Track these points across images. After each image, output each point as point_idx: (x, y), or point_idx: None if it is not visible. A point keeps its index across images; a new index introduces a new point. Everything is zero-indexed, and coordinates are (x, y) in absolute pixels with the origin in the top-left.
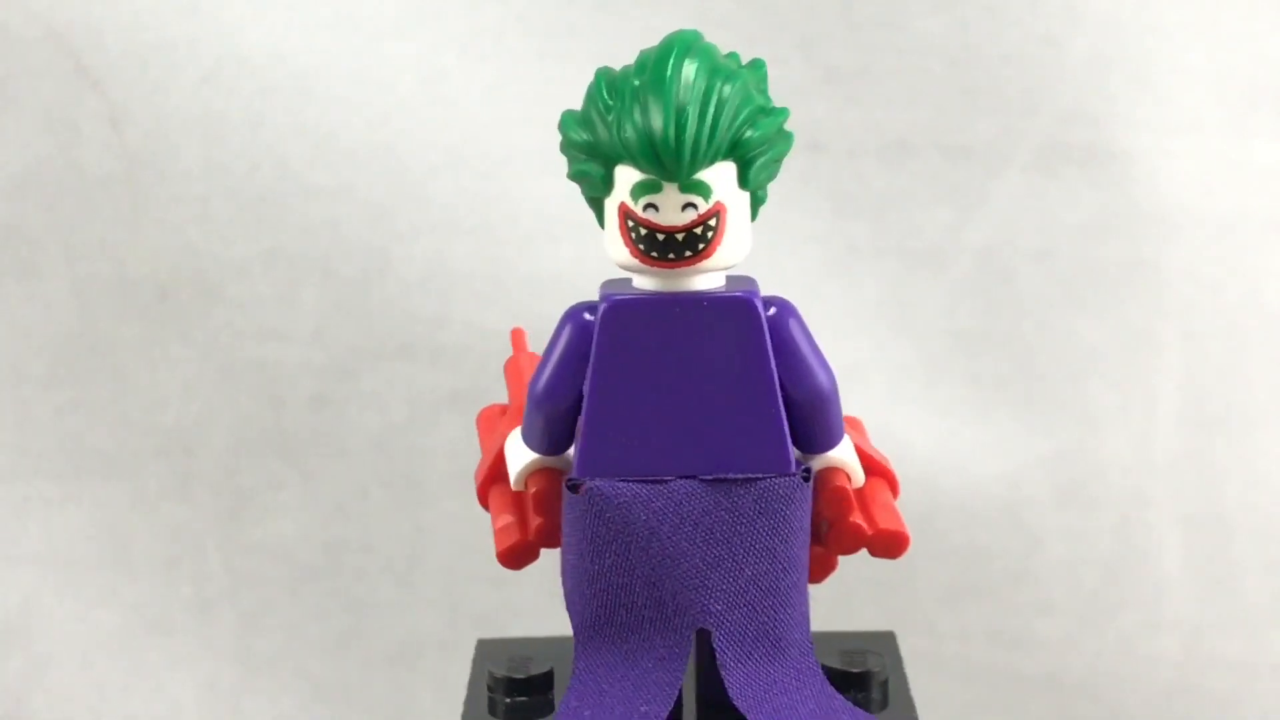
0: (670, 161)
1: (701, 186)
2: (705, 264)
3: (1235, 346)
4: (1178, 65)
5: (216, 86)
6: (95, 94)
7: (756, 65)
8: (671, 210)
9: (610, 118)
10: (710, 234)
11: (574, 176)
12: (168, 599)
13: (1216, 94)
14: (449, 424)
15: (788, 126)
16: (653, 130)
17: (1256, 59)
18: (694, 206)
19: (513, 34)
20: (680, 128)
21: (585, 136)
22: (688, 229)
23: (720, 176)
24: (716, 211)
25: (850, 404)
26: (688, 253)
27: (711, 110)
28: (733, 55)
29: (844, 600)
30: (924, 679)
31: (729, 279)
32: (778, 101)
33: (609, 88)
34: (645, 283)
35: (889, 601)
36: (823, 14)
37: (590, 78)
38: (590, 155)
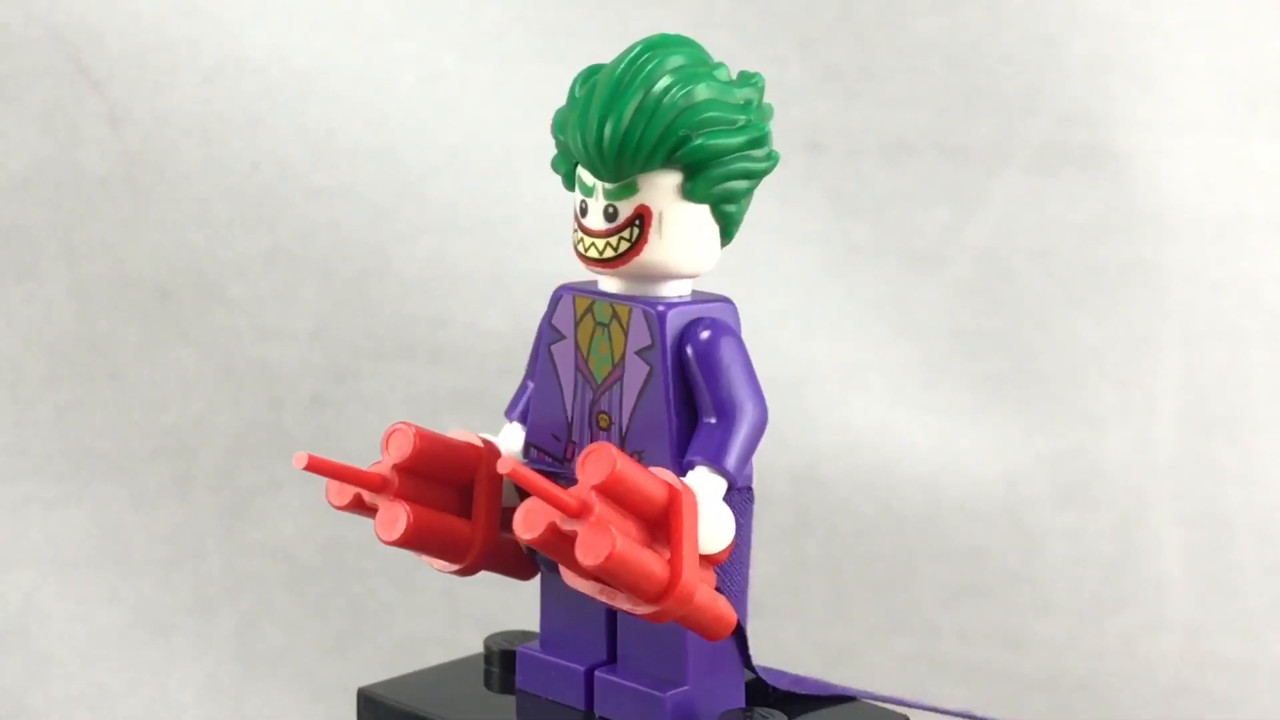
0: (598, 160)
1: (627, 190)
2: (626, 269)
3: (1235, 347)
4: (1178, 65)
5: (216, 86)
6: (95, 94)
7: (747, 79)
8: (595, 214)
9: (573, 115)
10: (626, 244)
11: (552, 168)
12: (168, 599)
13: (1216, 94)
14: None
15: (783, 139)
16: (588, 128)
17: (1256, 59)
18: (614, 214)
19: (512, 34)
20: (615, 127)
21: (558, 133)
22: (604, 235)
23: (658, 183)
24: (639, 215)
25: (850, 404)
26: (608, 254)
27: (650, 113)
28: (718, 67)
29: (843, 601)
30: (924, 679)
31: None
32: (779, 101)
33: (582, 84)
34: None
35: (889, 602)
36: (823, 14)
37: None
38: (562, 150)
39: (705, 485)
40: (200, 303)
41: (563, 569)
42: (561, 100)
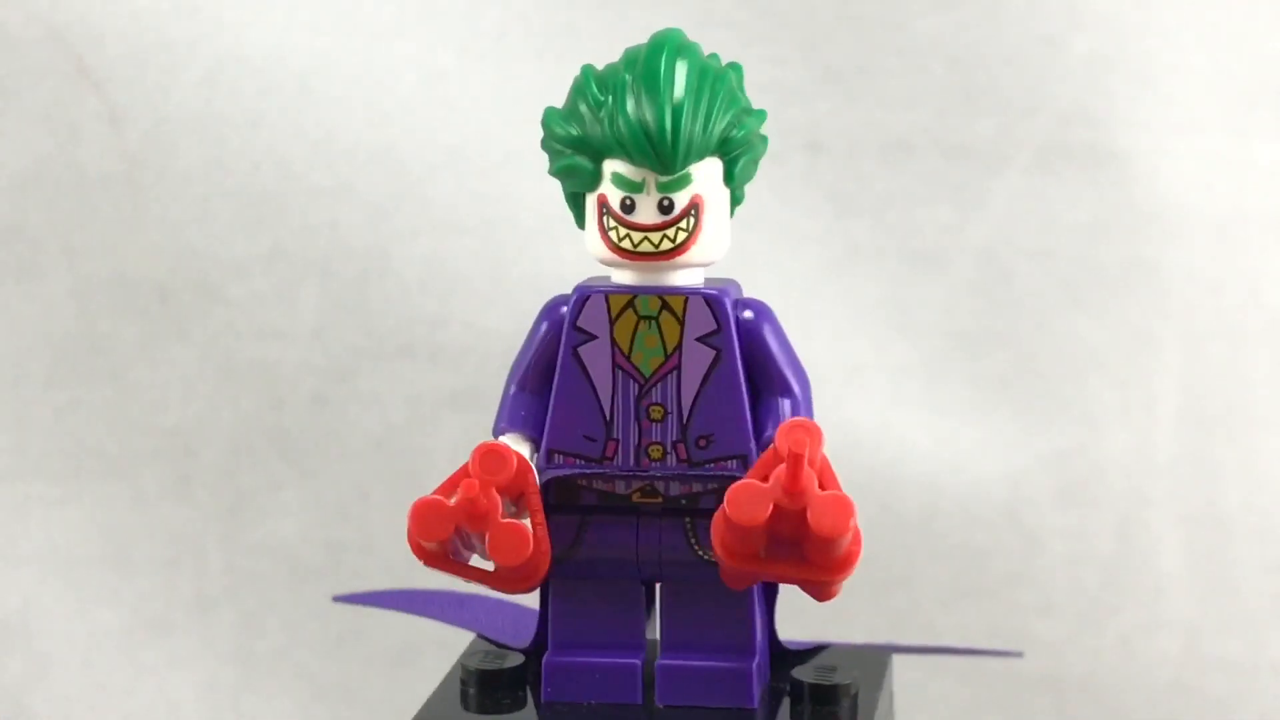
0: (666, 153)
1: (683, 180)
2: (681, 259)
3: (1235, 346)
4: (1178, 65)
5: (216, 86)
6: (95, 94)
7: (736, 68)
8: (648, 208)
9: (603, 112)
10: (684, 234)
11: (559, 172)
12: (168, 599)
13: (1216, 94)
14: (449, 424)
15: (771, 129)
16: (648, 122)
17: (1256, 59)
18: (670, 206)
19: (513, 34)
20: (676, 120)
21: (575, 131)
22: (661, 227)
23: (705, 172)
24: (694, 205)
25: (850, 404)
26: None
27: (704, 106)
28: (714, 56)
29: (843, 600)
30: (924, 679)
31: (709, 279)
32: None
33: (599, 83)
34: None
35: (889, 601)
36: (823, 14)
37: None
38: (579, 149)
39: None
40: (200, 303)
41: (729, 558)
42: (563, 99)
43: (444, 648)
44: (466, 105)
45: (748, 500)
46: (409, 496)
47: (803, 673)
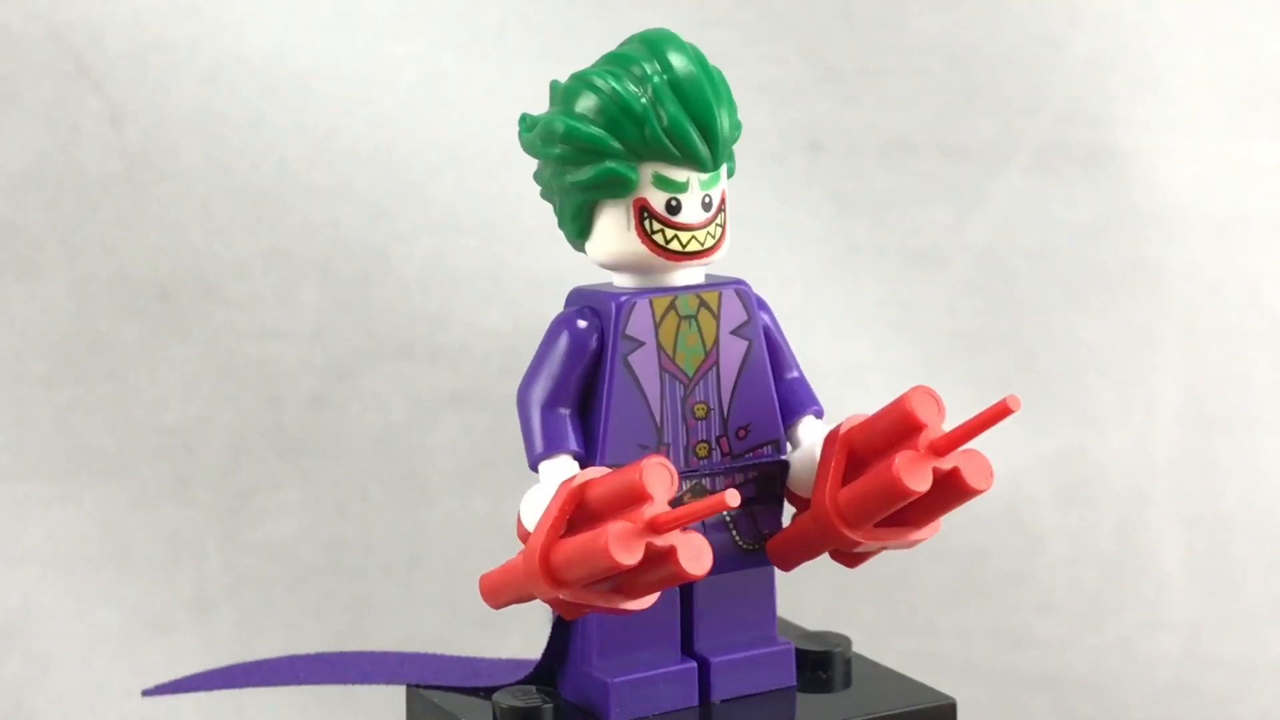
0: (718, 150)
1: (716, 178)
2: (717, 254)
3: (1235, 346)
4: (1178, 65)
5: (216, 86)
6: (95, 94)
7: None
8: (693, 207)
9: (647, 116)
10: (720, 229)
11: (594, 181)
12: (168, 599)
13: (1216, 94)
14: (449, 424)
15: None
16: (700, 121)
17: (1256, 59)
18: (710, 203)
19: (513, 34)
20: (723, 117)
21: (612, 135)
22: (704, 225)
23: (724, 169)
24: (723, 201)
25: (850, 404)
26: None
27: (729, 100)
28: None
29: (842, 600)
30: (924, 679)
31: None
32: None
33: (622, 87)
34: (629, 281)
35: (889, 601)
36: (823, 14)
37: None
38: (615, 155)
39: (825, 430)
40: (200, 303)
41: (850, 528)
42: None
43: (444, 647)
44: (466, 105)
45: (914, 471)
46: (409, 496)
47: (803, 644)
